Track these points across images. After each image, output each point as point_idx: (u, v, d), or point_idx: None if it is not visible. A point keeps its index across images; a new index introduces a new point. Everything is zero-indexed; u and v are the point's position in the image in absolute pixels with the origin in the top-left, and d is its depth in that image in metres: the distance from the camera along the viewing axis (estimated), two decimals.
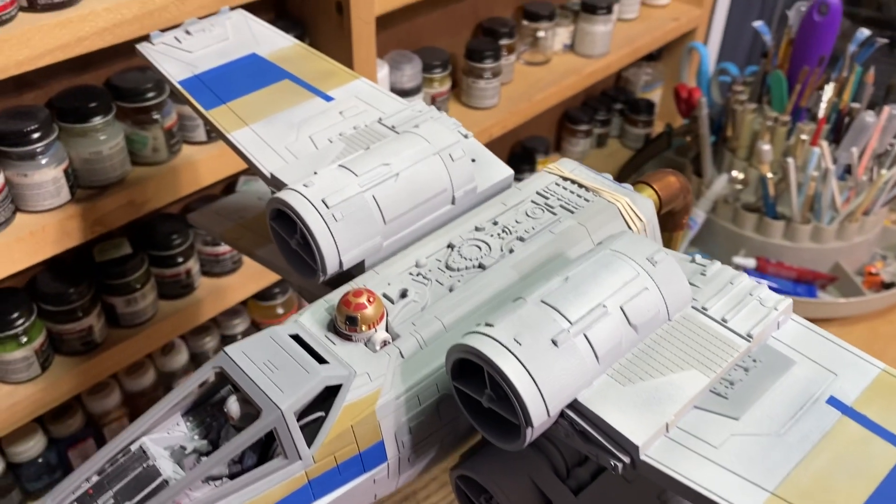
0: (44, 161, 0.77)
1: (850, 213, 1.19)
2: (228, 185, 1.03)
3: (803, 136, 1.17)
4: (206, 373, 0.43)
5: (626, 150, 1.61)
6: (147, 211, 0.86)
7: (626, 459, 0.39)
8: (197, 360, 1.09)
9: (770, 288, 1.23)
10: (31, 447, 0.93)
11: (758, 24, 1.30)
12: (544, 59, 1.33)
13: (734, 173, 1.24)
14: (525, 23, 1.29)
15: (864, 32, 1.21)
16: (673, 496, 0.47)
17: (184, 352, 1.06)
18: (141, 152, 0.85)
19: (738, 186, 1.24)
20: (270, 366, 0.42)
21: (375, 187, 0.52)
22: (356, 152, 0.56)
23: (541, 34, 1.30)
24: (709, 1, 1.53)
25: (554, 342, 0.40)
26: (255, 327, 1.14)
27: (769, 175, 1.18)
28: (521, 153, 1.47)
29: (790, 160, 1.14)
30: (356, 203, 0.51)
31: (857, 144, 1.16)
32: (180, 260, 0.95)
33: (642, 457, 0.39)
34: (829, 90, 1.20)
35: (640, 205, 0.55)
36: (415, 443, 0.45)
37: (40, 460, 0.95)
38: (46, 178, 0.77)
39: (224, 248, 0.99)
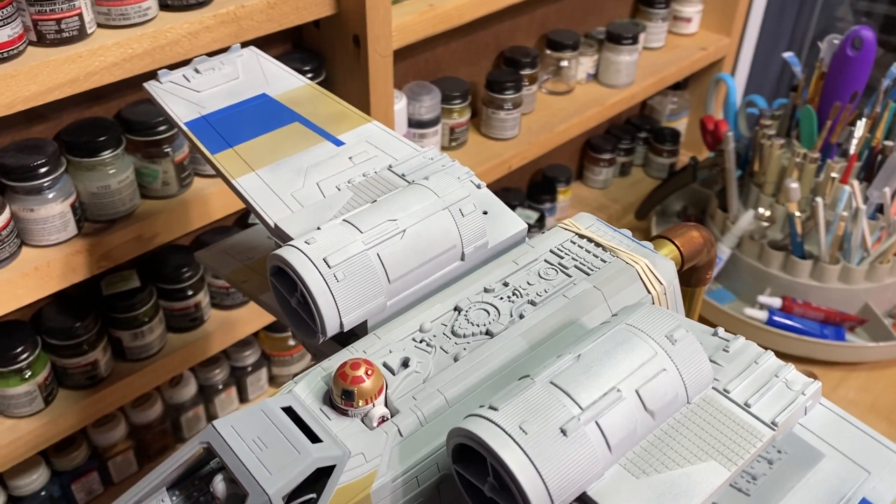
0: (51, 195, 0.75)
1: (882, 254, 1.15)
2: (241, 216, 1.01)
3: (833, 174, 1.13)
4: (192, 448, 0.41)
5: (650, 179, 1.57)
6: (156, 245, 0.84)
7: None
8: (205, 393, 1.07)
9: (796, 329, 1.18)
10: (34, 480, 0.92)
11: (787, 55, 1.26)
12: (567, 88, 1.30)
13: (761, 210, 1.21)
14: (548, 52, 1.27)
15: None
16: None
17: (192, 384, 1.04)
18: (151, 185, 0.84)
19: (765, 223, 1.21)
20: (260, 443, 0.40)
21: (380, 245, 0.49)
22: (362, 205, 0.53)
23: (564, 63, 1.27)
24: (737, 30, 1.49)
25: (563, 431, 0.37)
26: (266, 359, 1.12)
27: (797, 213, 1.14)
28: (541, 182, 1.44)
29: (819, 200, 1.11)
30: (359, 262, 0.48)
31: (889, 184, 1.12)
32: (190, 293, 0.94)
33: None
34: (861, 126, 1.16)
35: (660, 267, 0.52)
36: None
37: (43, 493, 0.93)
38: (53, 212, 0.76)
39: None
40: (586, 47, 1.31)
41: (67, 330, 0.84)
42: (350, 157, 0.61)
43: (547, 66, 1.28)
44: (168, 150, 0.83)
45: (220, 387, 1.07)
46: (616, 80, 1.32)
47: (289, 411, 0.42)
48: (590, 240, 0.54)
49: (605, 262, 0.52)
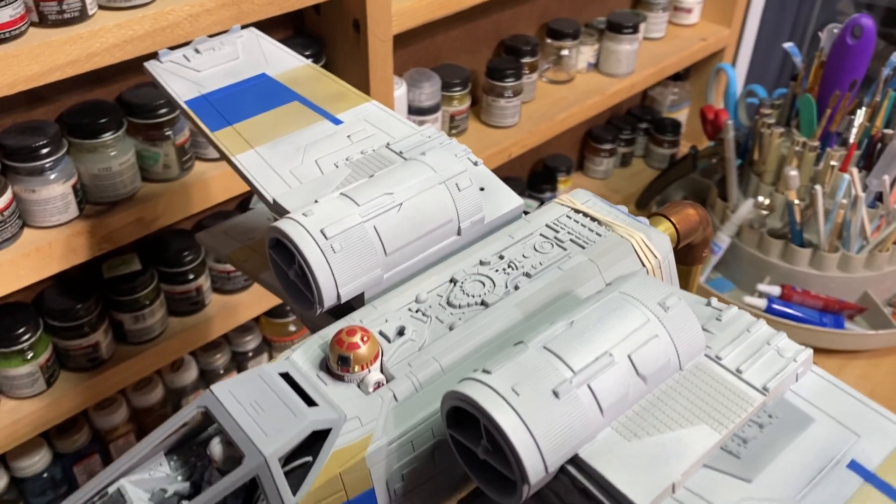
0: (52, 177, 0.76)
1: (881, 242, 1.15)
2: (243, 201, 1.02)
3: (833, 163, 1.14)
4: (190, 412, 0.41)
5: (650, 170, 1.57)
6: (157, 228, 0.85)
7: None
8: (207, 377, 1.08)
9: (795, 318, 1.18)
10: (37, 462, 0.92)
11: (788, 45, 1.27)
12: (567, 77, 1.30)
13: (760, 198, 1.21)
14: (549, 41, 1.27)
15: None
16: None
17: (193, 368, 1.05)
18: (152, 168, 0.85)
19: (764, 212, 1.21)
20: (257, 407, 0.40)
21: (377, 217, 0.50)
22: (360, 179, 0.54)
23: (564, 52, 1.28)
24: (738, 21, 1.49)
25: (555, 393, 0.38)
26: (267, 344, 1.13)
27: (796, 202, 1.15)
28: (542, 172, 1.44)
29: (818, 188, 1.11)
30: (356, 234, 0.49)
31: (889, 172, 1.12)
32: (191, 277, 0.94)
33: None
34: (860, 115, 1.16)
35: (655, 241, 0.52)
36: (407, 491, 0.43)
37: (45, 475, 0.94)
38: (54, 193, 0.76)
39: None
40: (587, 36, 1.31)
41: (69, 311, 0.85)
42: (348, 136, 0.61)
43: (547, 55, 1.29)
44: (169, 133, 0.83)
45: (221, 371, 1.08)
46: (616, 69, 1.32)
47: (286, 377, 0.43)
48: (585, 214, 0.54)
49: (600, 235, 0.52)
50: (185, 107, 0.63)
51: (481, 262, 0.51)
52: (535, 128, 1.20)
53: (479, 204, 0.54)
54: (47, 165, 0.75)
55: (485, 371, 0.39)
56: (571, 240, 0.52)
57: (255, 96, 0.64)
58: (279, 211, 0.56)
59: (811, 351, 0.43)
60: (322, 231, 0.48)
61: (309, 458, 0.41)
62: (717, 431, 0.39)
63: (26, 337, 0.82)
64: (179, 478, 0.42)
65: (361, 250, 0.49)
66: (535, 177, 1.43)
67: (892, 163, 1.12)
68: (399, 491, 0.43)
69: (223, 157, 0.60)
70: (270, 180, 0.58)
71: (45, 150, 0.75)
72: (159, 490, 0.41)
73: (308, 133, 0.61)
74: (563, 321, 0.41)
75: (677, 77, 1.57)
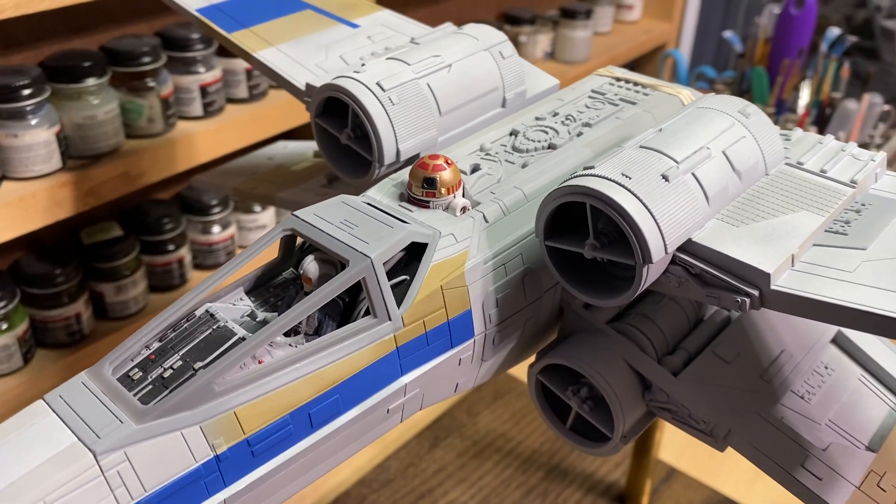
0: (34, 121, 0.71)
1: None
2: None
3: (789, 125, 1.19)
4: (275, 235, 0.39)
5: None
6: (142, 185, 0.81)
7: (755, 293, 0.36)
8: None
9: None
10: None
11: (728, 34, 1.34)
12: None
13: None
14: (507, 27, 1.30)
15: (835, 31, 1.25)
16: (777, 372, 0.43)
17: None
18: (136, 122, 0.81)
19: None
20: (349, 224, 0.38)
21: (429, 76, 0.49)
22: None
23: (522, 38, 1.30)
24: (677, 16, 1.57)
25: (664, 177, 0.37)
26: None
27: None
28: None
29: None
30: (412, 89, 0.48)
31: (843, 128, 1.18)
32: (171, 248, 0.89)
33: (773, 287, 0.35)
34: (805, 86, 1.22)
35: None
36: (501, 319, 0.41)
37: None
38: (38, 140, 0.72)
39: (218, 236, 0.94)
40: (542, 26, 1.34)
41: (46, 277, 0.79)
42: (368, 37, 0.60)
43: None
44: (153, 84, 0.80)
45: None
46: (573, 55, 1.36)
47: (369, 205, 0.41)
48: (627, 81, 0.54)
49: (647, 95, 0.53)
50: (196, 14, 0.60)
51: (537, 118, 0.50)
52: None
53: (521, 75, 0.53)
54: (29, 108, 0.71)
55: (587, 168, 0.38)
56: (621, 98, 0.52)
57: (266, 4, 0.63)
58: (311, 95, 0.54)
59: (885, 153, 0.43)
60: (379, 84, 0.47)
61: (406, 277, 0.38)
62: (820, 215, 0.39)
63: (0, 305, 0.76)
64: (264, 310, 0.39)
65: (419, 105, 0.48)
66: None
67: (845, 122, 1.18)
68: (493, 317, 0.41)
69: (243, 56, 0.58)
70: (297, 71, 0.56)
71: (26, 92, 0.70)
72: (247, 316, 0.38)
73: (327, 34, 0.60)
74: (651, 129, 0.41)
75: None
